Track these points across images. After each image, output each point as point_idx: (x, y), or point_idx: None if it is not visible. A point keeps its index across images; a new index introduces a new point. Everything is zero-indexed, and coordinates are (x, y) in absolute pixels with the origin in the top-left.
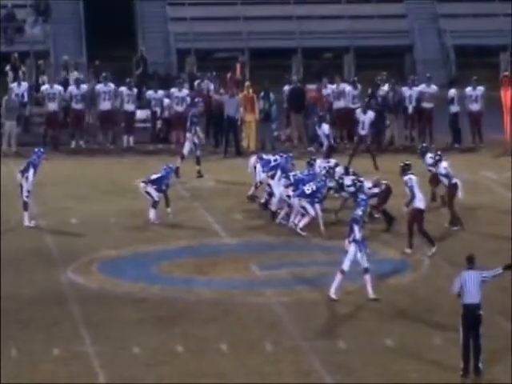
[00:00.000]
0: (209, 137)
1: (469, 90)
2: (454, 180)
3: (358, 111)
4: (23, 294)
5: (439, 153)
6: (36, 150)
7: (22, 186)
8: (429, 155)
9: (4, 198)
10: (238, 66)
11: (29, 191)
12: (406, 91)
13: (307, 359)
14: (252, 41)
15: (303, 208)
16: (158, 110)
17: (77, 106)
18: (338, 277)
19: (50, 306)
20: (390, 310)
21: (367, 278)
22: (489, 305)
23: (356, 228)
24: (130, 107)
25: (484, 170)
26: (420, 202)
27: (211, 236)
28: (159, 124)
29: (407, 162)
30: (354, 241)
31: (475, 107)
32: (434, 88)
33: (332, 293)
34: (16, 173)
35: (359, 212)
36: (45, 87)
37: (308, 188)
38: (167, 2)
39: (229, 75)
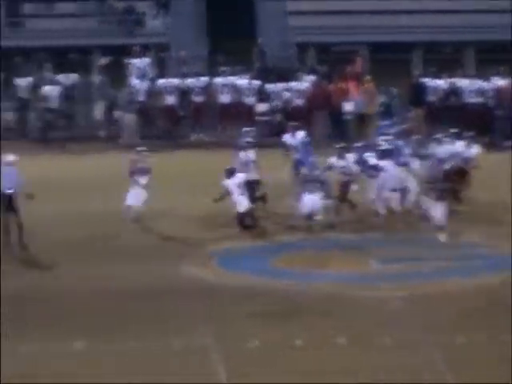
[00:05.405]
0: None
1: None
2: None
3: None
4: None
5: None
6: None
7: None
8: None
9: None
10: (358, 59)
11: None
12: None
13: (426, 352)
14: (372, 35)
15: None
16: (278, 103)
17: (197, 98)
18: None
19: (167, 298)
20: None
21: None
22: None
23: None
24: (249, 100)
25: None
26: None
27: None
28: (278, 117)
29: None
30: None
31: None
32: None
33: None
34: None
35: None
36: (162, 81)
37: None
38: None
39: (348, 69)
